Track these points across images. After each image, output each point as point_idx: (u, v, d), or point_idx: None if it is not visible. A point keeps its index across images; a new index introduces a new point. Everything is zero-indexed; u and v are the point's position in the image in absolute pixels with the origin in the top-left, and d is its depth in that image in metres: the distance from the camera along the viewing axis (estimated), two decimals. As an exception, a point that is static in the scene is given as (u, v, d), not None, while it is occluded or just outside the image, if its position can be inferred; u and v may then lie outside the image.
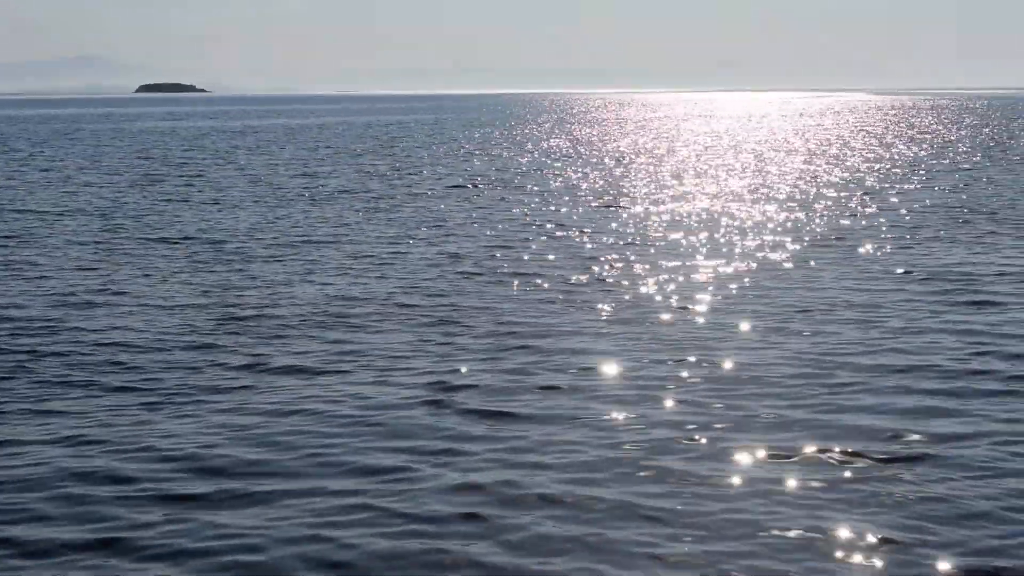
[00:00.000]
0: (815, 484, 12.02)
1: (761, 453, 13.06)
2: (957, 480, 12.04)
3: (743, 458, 12.91)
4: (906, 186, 47.45)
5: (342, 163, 64.73)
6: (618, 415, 14.57)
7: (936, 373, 16.37)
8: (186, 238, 32.18)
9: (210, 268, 26.73)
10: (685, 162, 64.90)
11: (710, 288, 23.58)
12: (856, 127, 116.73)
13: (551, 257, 28.09)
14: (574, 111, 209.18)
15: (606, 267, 26.36)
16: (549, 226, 34.31)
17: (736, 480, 12.21)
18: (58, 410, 15.18)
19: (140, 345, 18.80)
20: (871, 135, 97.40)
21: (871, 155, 69.09)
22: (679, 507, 11.44)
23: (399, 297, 22.95)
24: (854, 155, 69.35)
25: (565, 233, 32.60)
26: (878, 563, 10.16)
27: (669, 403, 15.13)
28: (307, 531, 11.00)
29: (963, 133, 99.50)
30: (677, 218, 36.37)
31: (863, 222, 34.75)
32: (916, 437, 13.51)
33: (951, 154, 68.92)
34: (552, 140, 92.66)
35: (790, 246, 29.71)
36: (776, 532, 10.79)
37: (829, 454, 12.97)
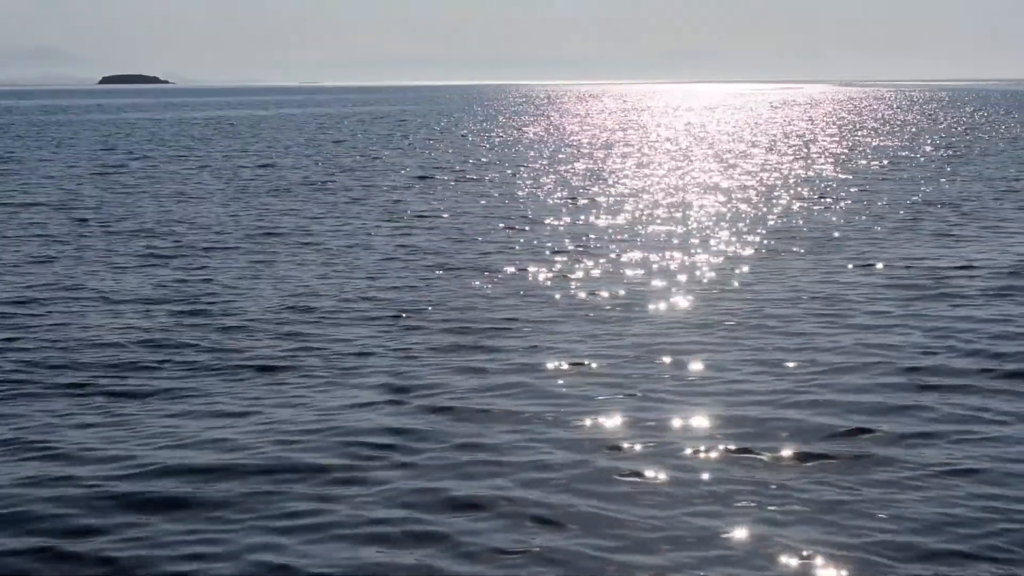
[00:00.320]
0: (774, 482, 11.84)
1: (717, 451, 12.87)
2: (918, 480, 11.85)
3: (700, 456, 12.71)
4: (871, 178, 47.58)
5: (304, 155, 64.50)
6: (577, 412, 14.32)
7: (898, 369, 16.16)
8: (146, 231, 31.85)
9: (169, 262, 26.37)
10: (651, 154, 64.91)
11: (673, 282, 23.43)
12: (825, 118, 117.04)
13: (513, 251, 27.93)
14: (544, 102, 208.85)
15: (568, 261, 26.16)
16: (512, 219, 34.12)
17: (692, 478, 12.00)
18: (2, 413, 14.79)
19: (95, 342, 18.44)
20: (838, 126, 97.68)
21: (836, 146, 69.30)
22: (635, 507, 11.22)
23: (359, 291, 22.72)
24: (819, 147, 69.52)
25: (528, 227, 32.41)
26: (835, 566, 9.97)
27: (628, 400, 14.89)
28: (260, 537, 10.73)
29: (929, 124, 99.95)
30: (641, 211, 36.28)
31: (828, 215, 34.72)
32: (877, 435, 13.31)
33: (917, 145, 69.19)
34: (519, 131, 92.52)
35: (753, 240, 29.57)
36: (729, 533, 10.60)
37: (789, 452, 12.78)
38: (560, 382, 15.91)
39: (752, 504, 11.31)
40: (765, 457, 12.70)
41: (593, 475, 12.17)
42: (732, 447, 13.01)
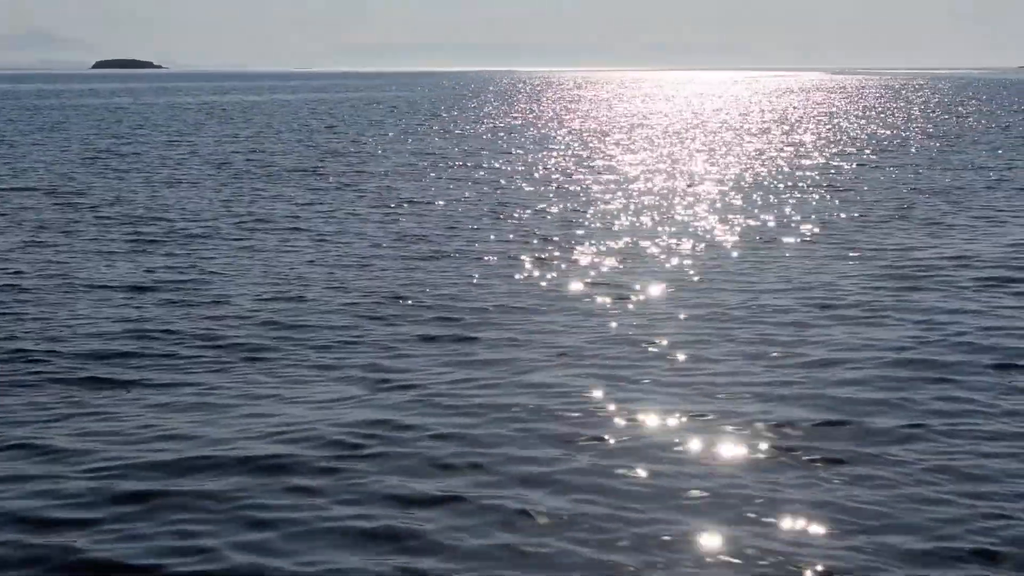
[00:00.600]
0: (759, 476, 11.68)
1: (702, 444, 12.71)
2: (905, 475, 11.69)
3: (684, 448, 12.55)
4: (863, 166, 47.48)
5: (295, 140, 64.24)
6: (562, 404, 14.15)
7: (889, 361, 15.98)
8: (135, 217, 31.61)
9: (157, 248, 26.17)
10: (639, 141, 64.77)
11: (662, 271, 23.25)
12: (813, 106, 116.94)
13: (502, 238, 27.78)
14: (535, 89, 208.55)
15: (556, 250, 25.98)
16: (499, 206, 33.96)
17: (676, 470, 11.85)
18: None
19: (79, 330, 18.23)
20: (827, 114, 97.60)
21: (823, 134, 69.18)
22: (616, 501, 11.05)
23: (345, 276, 22.63)
24: (807, 135, 69.41)
25: (515, 213, 32.28)
26: (819, 561, 9.80)
27: (613, 391, 14.68)
28: (236, 531, 10.55)
29: (919, 112, 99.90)
30: (632, 198, 36.11)
31: (820, 204, 34.59)
32: (866, 428, 13.15)
33: (909, 133, 69.12)
34: (507, 119, 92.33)
35: (738, 228, 29.45)
36: (711, 526, 10.44)
37: (776, 445, 12.61)
38: (545, 373, 15.70)
39: (736, 498, 11.14)
40: (752, 449, 12.52)
41: (576, 468, 12.00)
42: (718, 439, 12.83)
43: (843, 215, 31.74)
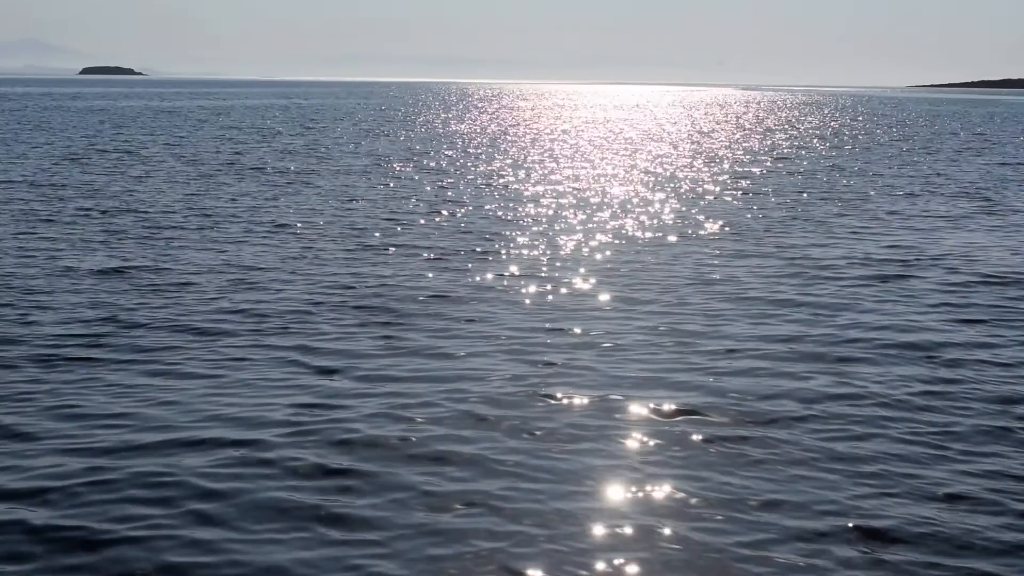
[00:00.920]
0: (662, 450, 11.37)
1: (612, 418, 12.44)
2: (800, 461, 11.39)
3: (592, 433, 12.16)
4: (764, 173, 47.45)
5: (260, 142, 63.47)
6: (485, 388, 13.76)
7: (775, 351, 15.74)
8: (106, 211, 30.96)
9: (126, 239, 25.60)
10: (568, 148, 64.50)
11: (583, 265, 22.93)
12: (720, 117, 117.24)
13: (437, 234, 27.37)
14: (471, 99, 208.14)
15: (487, 244, 25.62)
16: (437, 203, 33.61)
17: (586, 446, 11.54)
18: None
19: (46, 318, 17.71)
20: (737, 125, 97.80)
21: (733, 143, 69.23)
22: (525, 484, 10.67)
23: (297, 266, 22.22)
24: (718, 143, 69.45)
25: (454, 212, 31.92)
26: (712, 548, 9.48)
27: (524, 373, 14.34)
28: (163, 515, 10.06)
29: (817, 124, 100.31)
30: (555, 199, 35.83)
31: (725, 206, 34.51)
32: (751, 412, 12.83)
33: (806, 144, 69.29)
34: (450, 127, 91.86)
35: (653, 227, 29.23)
36: (612, 511, 10.11)
37: (666, 425, 12.32)
38: (473, 359, 15.29)
39: (636, 477, 10.83)
40: (653, 432, 12.17)
41: (491, 448, 11.62)
42: (622, 422, 12.50)
43: (749, 216, 31.61)
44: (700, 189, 39.61)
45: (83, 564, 9.07)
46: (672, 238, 27.10)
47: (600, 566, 9.03)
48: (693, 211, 32.79)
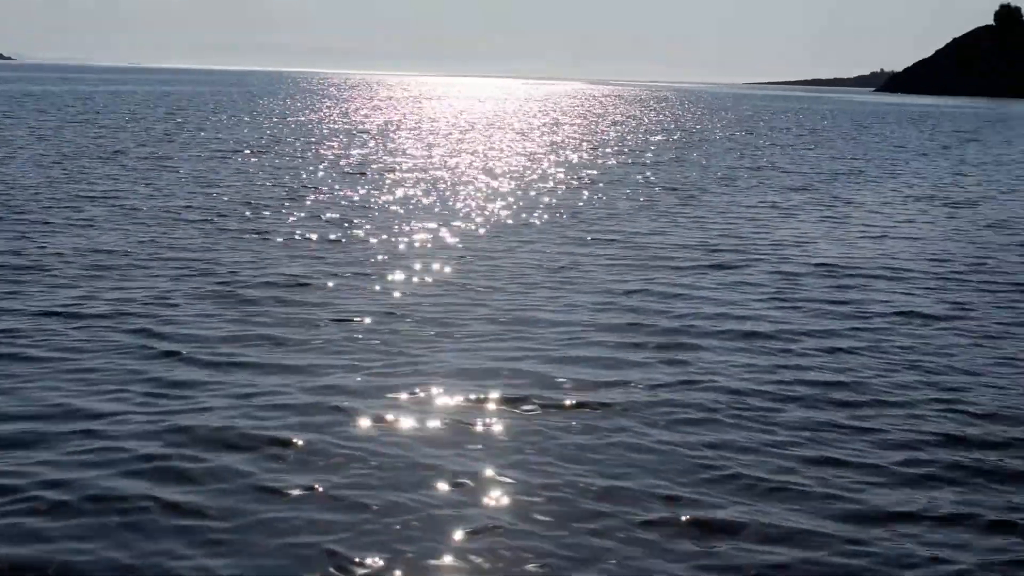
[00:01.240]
0: (500, 439, 10.97)
1: (455, 407, 12.01)
2: (626, 435, 11.10)
3: (438, 412, 11.80)
4: (610, 164, 47.48)
5: (123, 127, 61.62)
6: (330, 364, 13.27)
7: (612, 336, 15.50)
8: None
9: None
10: (423, 137, 63.92)
11: (431, 250, 22.49)
12: (570, 111, 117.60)
13: (293, 217, 26.76)
14: (328, 89, 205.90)
15: (340, 229, 25.06)
16: (295, 189, 32.86)
17: (428, 435, 11.05)
18: None
19: None
20: (583, 118, 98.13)
21: (579, 136, 69.32)
22: (361, 474, 10.20)
23: (154, 251, 21.36)
24: (563, 135, 69.49)
25: (311, 197, 31.24)
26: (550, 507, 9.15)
27: (383, 359, 13.82)
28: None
29: (660, 120, 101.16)
30: (408, 188, 35.30)
31: (570, 196, 34.33)
32: (585, 394, 12.54)
33: (649, 137, 69.71)
34: (306, 115, 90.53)
35: (507, 213, 28.94)
36: (455, 479, 9.71)
37: (517, 408, 11.97)
38: (324, 346, 14.68)
39: (472, 468, 10.40)
40: (496, 422, 11.75)
41: (333, 436, 11.10)
42: (467, 413, 12.00)
43: (593, 205, 31.47)
44: (544, 180, 39.38)
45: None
46: (521, 227, 26.79)
47: (432, 561, 8.54)
48: (537, 200, 32.51)
